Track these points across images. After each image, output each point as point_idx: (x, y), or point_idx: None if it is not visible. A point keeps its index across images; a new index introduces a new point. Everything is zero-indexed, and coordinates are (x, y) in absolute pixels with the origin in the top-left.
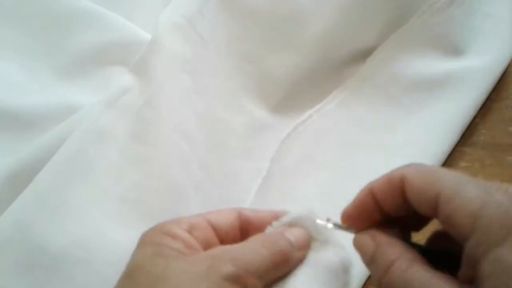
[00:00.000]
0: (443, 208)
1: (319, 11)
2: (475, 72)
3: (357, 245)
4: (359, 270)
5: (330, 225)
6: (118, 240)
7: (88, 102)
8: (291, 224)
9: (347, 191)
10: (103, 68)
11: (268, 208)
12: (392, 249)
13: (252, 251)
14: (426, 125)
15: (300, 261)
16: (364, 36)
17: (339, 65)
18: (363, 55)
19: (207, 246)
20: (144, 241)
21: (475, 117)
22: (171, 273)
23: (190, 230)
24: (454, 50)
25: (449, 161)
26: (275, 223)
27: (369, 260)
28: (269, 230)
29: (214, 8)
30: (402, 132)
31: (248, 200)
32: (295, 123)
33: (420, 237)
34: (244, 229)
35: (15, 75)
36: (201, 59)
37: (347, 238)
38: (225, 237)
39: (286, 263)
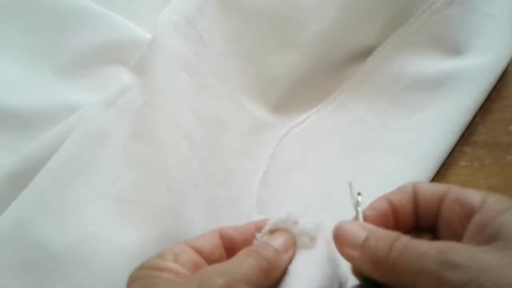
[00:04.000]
0: (452, 194)
1: (319, 11)
2: (475, 71)
3: (343, 231)
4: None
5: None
6: (118, 240)
7: (88, 101)
8: (273, 230)
9: (346, 191)
10: (103, 68)
11: (268, 208)
12: (388, 231)
13: (239, 263)
14: (426, 124)
15: (289, 261)
16: (364, 36)
17: (339, 65)
18: (363, 55)
19: (195, 270)
20: (133, 278)
21: (475, 117)
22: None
23: (175, 259)
24: (454, 49)
25: (449, 160)
26: (258, 235)
27: (362, 242)
28: (255, 242)
29: (214, 7)
30: (402, 132)
31: (247, 199)
32: (292, 124)
33: None
34: (229, 248)
35: (15, 75)
36: (201, 59)
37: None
38: (211, 258)
39: (275, 269)
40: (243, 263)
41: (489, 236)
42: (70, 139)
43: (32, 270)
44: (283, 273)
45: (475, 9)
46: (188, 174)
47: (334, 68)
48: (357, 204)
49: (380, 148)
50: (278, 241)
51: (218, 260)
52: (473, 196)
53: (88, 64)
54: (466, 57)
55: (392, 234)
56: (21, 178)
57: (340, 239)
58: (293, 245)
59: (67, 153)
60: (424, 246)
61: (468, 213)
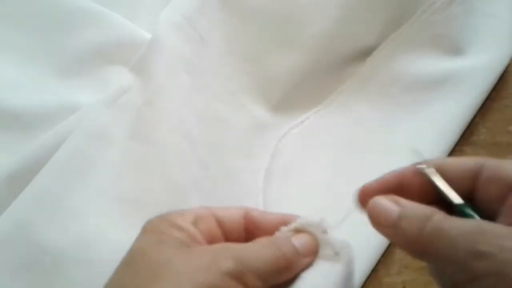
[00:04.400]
0: (489, 170)
1: (319, 11)
2: (475, 71)
3: (376, 208)
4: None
5: None
6: (118, 239)
7: (88, 101)
8: (299, 230)
9: (347, 191)
10: (103, 68)
11: (271, 208)
12: (423, 207)
13: (255, 252)
14: (426, 124)
15: (305, 268)
16: (364, 36)
17: (339, 65)
18: (363, 54)
19: (210, 240)
20: (147, 229)
21: (475, 117)
22: (172, 262)
23: (195, 222)
24: (454, 49)
25: None
26: (283, 228)
27: (395, 221)
28: (277, 235)
29: (214, 7)
30: (402, 132)
31: (247, 199)
32: (291, 125)
33: None
34: (250, 230)
35: (15, 75)
36: (201, 59)
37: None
38: (229, 234)
39: (289, 269)
40: (260, 253)
41: None
42: (70, 139)
43: (32, 270)
44: (295, 277)
45: (475, 9)
46: (188, 174)
47: (334, 68)
48: (426, 169)
49: (380, 148)
50: (301, 241)
51: (236, 239)
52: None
53: (88, 64)
54: (466, 57)
55: (424, 214)
56: (21, 178)
57: (374, 216)
58: (315, 252)
59: (67, 153)
60: (456, 229)
61: (507, 191)
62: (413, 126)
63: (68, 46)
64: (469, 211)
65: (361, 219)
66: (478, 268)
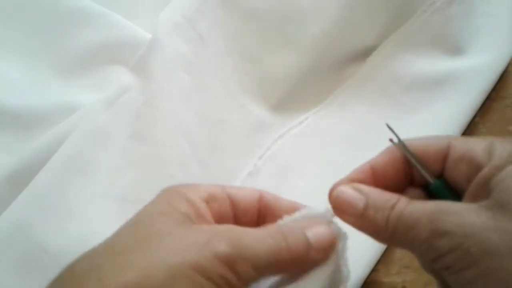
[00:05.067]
0: (457, 150)
1: (319, 11)
2: (475, 71)
3: (340, 199)
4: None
5: None
6: None
7: (88, 101)
8: (304, 220)
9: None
10: (103, 67)
11: None
12: (387, 195)
13: (257, 238)
14: (426, 124)
15: (315, 264)
16: (364, 36)
17: (339, 65)
18: (363, 55)
19: (219, 220)
20: (159, 197)
21: (475, 117)
22: (166, 236)
23: (207, 199)
24: (454, 49)
25: None
26: (286, 218)
27: (361, 212)
28: (279, 223)
29: (214, 7)
30: (402, 132)
31: None
32: (291, 125)
33: None
34: (262, 215)
35: (15, 75)
36: (201, 59)
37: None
38: (241, 216)
39: (293, 263)
40: (262, 241)
41: (486, 194)
42: (70, 139)
43: (32, 270)
44: (301, 274)
45: (475, 9)
46: (188, 173)
47: (334, 68)
48: (400, 143)
49: (380, 148)
50: (316, 233)
51: (247, 222)
52: (478, 149)
53: (88, 64)
54: (466, 57)
55: (389, 201)
56: (21, 178)
57: (338, 206)
58: (329, 249)
59: (67, 153)
60: (417, 213)
61: (476, 171)
62: (413, 126)
63: (68, 46)
64: (442, 188)
65: None
66: (440, 246)
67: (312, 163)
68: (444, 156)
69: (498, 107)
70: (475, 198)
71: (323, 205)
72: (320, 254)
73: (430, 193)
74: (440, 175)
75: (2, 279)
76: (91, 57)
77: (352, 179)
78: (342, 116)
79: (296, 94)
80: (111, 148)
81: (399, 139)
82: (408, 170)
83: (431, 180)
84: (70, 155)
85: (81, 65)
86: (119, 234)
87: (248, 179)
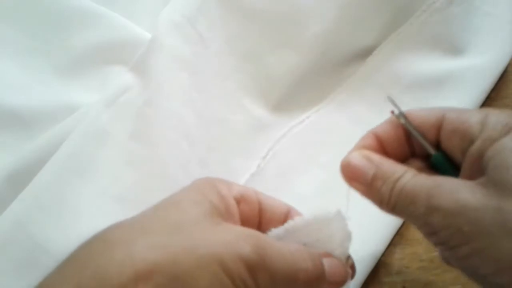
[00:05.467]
0: (450, 122)
1: (318, 10)
2: (475, 71)
3: (352, 166)
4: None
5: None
6: None
7: (88, 101)
8: (289, 232)
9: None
10: (103, 67)
11: None
12: (396, 166)
13: (280, 253)
14: None
15: None
16: (364, 36)
17: (339, 65)
18: (363, 54)
19: (245, 222)
20: (194, 185)
21: None
22: (198, 225)
23: (239, 199)
24: (454, 49)
25: None
26: (274, 230)
27: (369, 181)
28: (269, 234)
29: (214, 7)
30: None
31: None
32: (292, 124)
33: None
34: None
35: (15, 74)
36: (201, 58)
37: None
38: (266, 223)
39: (307, 285)
40: (285, 256)
41: (482, 169)
42: (70, 139)
43: (32, 269)
44: None
45: (475, 8)
46: (188, 173)
47: (334, 68)
48: (400, 115)
49: None
50: (331, 265)
51: (250, 222)
52: (472, 121)
53: (88, 63)
54: (466, 57)
55: (396, 173)
56: (21, 178)
57: (348, 174)
58: (341, 283)
59: (67, 153)
60: (417, 188)
61: (469, 144)
62: None
63: (68, 46)
64: (442, 162)
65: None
66: (434, 222)
67: (313, 163)
68: (439, 127)
69: (498, 107)
70: (472, 173)
71: (331, 206)
72: (329, 286)
73: (431, 165)
74: (438, 147)
75: (2, 279)
76: (91, 57)
77: (362, 146)
78: (342, 115)
79: (296, 94)
80: (111, 148)
81: (400, 111)
82: (410, 141)
83: (432, 151)
84: (70, 155)
85: (81, 65)
86: (150, 215)
87: (251, 180)
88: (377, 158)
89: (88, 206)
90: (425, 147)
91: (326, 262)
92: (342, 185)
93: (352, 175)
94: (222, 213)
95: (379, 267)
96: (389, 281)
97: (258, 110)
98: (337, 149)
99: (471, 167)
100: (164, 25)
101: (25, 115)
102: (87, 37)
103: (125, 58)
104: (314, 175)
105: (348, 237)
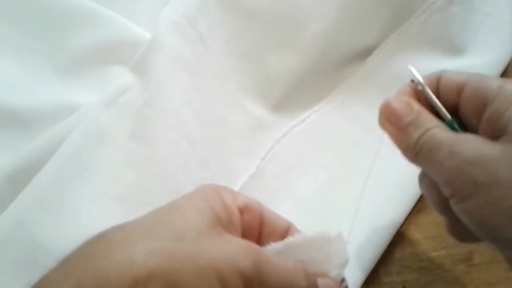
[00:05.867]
0: (471, 85)
1: (318, 10)
2: (475, 71)
3: (392, 108)
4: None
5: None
6: None
7: (88, 101)
8: (289, 248)
9: (346, 190)
10: (103, 67)
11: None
12: (432, 117)
13: (278, 269)
14: None
15: None
16: (364, 36)
17: (339, 65)
18: (363, 54)
19: (245, 232)
20: (197, 192)
21: None
22: (200, 234)
23: (242, 209)
24: (454, 49)
25: None
26: (273, 244)
27: (404, 126)
28: (267, 248)
29: (214, 7)
30: None
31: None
32: (292, 124)
33: None
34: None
35: (15, 75)
36: (201, 58)
37: None
38: (266, 236)
39: None
40: (281, 274)
41: (498, 131)
42: (70, 139)
43: (32, 269)
44: None
45: (475, 8)
46: (188, 173)
47: (334, 68)
48: (419, 83)
49: (380, 147)
50: (325, 285)
51: (251, 233)
52: (491, 85)
53: (88, 63)
54: (466, 57)
55: (430, 123)
56: (21, 178)
57: (386, 114)
58: None
59: (67, 153)
60: (444, 137)
61: (484, 106)
62: None
63: (68, 46)
64: (455, 126)
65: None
66: (452, 168)
67: (313, 163)
68: (461, 89)
69: None
70: (488, 138)
71: (333, 228)
72: None
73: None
74: (457, 113)
75: (2, 279)
76: (91, 56)
77: (403, 93)
78: (342, 115)
79: (296, 94)
80: (111, 148)
81: (419, 81)
82: (433, 109)
83: (448, 117)
84: (70, 155)
85: (81, 65)
86: (153, 219)
87: (250, 181)
88: (417, 106)
89: (88, 206)
90: (440, 112)
91: (321, 282)
92: (342, 185)
93: (389, 117)
94: (224, 222)
95: (379, 267)
96: (389, 281)
97: (258, 110)
98: (337, 149)
99: (487, 131)
100: (164, 25)
101: (25, 115)
102: (87, 37)
103: (125, 58)
104: (313, 176)
105: (345, 260)
